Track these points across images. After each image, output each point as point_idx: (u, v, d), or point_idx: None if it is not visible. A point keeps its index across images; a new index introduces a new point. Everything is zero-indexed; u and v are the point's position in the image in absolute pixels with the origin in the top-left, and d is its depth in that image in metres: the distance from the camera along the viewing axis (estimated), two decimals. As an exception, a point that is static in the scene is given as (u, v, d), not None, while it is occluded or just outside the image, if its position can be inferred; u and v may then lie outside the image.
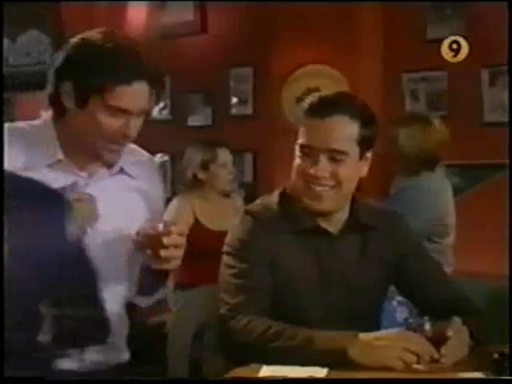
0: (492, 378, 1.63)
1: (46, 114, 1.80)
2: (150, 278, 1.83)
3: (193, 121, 4.97)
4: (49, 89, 1.76)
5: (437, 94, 4.26)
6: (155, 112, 5.00)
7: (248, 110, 4.87)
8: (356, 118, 1.88)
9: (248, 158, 4.81)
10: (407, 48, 4.28)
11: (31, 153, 1.73)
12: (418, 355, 1.68)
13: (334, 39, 4.27)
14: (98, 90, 1.70)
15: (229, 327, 1.84)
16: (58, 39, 5.57)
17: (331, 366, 1.68)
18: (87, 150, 1.77)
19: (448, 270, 2.93)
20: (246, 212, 2.00)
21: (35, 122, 1.81)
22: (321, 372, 1.67)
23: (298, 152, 1.93)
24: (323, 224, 1.96)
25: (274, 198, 2.01)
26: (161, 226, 1.72)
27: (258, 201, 2.04)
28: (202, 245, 3.25)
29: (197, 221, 3.58)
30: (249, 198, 3.35)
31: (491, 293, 2.62)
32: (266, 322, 1.82)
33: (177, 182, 3.85)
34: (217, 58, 4.85)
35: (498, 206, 3.71)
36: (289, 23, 4.36)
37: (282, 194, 2.01)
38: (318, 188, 1.90)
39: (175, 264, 1.75)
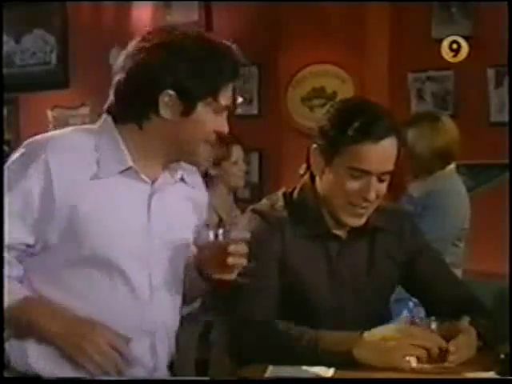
0: (494, 378, 1.62)
1: (104, 121, 1.68)
2: (195, 289, 1.78)
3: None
4: (130, 99, 1.65)
5: (443, 94, 4.25)
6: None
7: (253, 109, 4.86)
8: (399, 136, 1.89)
9: (254, 157, 4.80)
10: (413, 47, 4.28)
11: (101, 161, 1.63)
12: (426, 349, 1.69)
13: (339, 39, 4.26)
14: (210, 94, 1.63)
15: (235, 326, 1.84)
16: (64, 39, 5.58)
17: (337, 367, 1.68)
18: (169, 156, 1.69)
19: (459, 271, 2.92)
20: (254, 211, 1.98)
21: (94, 128, 1.70)
22: (327, 372, 1.66)
23: (343, 171, 1.86)
24: (335, 230, 1.96)
25: (279, 200, 1.99)
26: (221, 233, 1.65)
27: (264, 200, 2.03)
28: None
29: (220, 218, 3.56)
30: (255, 198, 3.35)
31: (501, 293, 2.61)
32: (273, 322, 1.82)
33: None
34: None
35: (506, 205, 3.70)
36: (294, 23, 4.36)
37: (288, 197, 1.98)
38: (363, 209, 1.89)
39: (236, 273, 1.67)
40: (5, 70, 5.59)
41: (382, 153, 1.84)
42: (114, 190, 1.64)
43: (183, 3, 4.96)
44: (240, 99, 4.89)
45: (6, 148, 5.69)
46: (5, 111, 5.77)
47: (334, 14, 4.25)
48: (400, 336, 1.72)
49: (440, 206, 3.02)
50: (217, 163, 3.60)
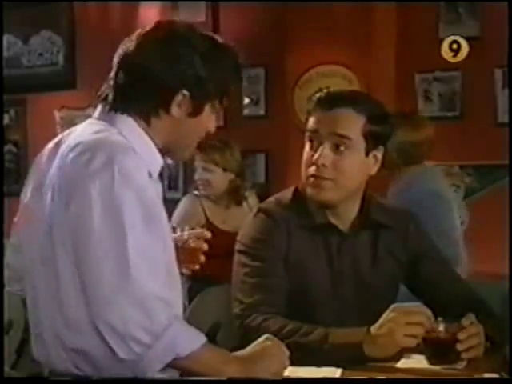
0: (492, 377, 1.62)
1: (123, 121, 1.59)
2: None
3: (205, 121, 4.97)
4: (145, 96, 1.58)
5: (450, 95, 4.24)
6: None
7: (260, 110, 4.87)
8: (362, 112, 1.93)
9: (260, 158, 4.81)
10: (420, 48, 4.27)
11: (148, 162, 1.57)
12: (421, 324, 1.71)
13: (346, 39, 4.26)
14: (220, 96, 1.63)
15: (244, 326, 1.85)
16: (71, 40, 5.59)
17: (346, 362, 1.70)
18: (162, 152, 1.65)
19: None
20: (259, 209, 2.02)
21: (113, 129, 1.57)
22: (335, 373, 1.67)
23: (306, 140, 1.98)
24: (333, 220, 1.97)
25: (287, 195, 2.03)
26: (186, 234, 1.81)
27: (271, 198, 2.06)
28: (216, 244, 3.24)
29: (208, 221, 3.56)
30: (261, 199, 3.35)
31: (507, 294, 2.60)
32: (282, 320, 1.83)
33: (190, 182, 3.84)
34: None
35: (512, 206, 3.69)
36: (301, 24, 4.35)
37: (296, 191, 2.02)
38: (319, 179, 1.92)
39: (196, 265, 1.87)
40: (12, 71, 5.61)
41: (331, 117, 1.93)
42: (155, 187, 1.61)
43: (190, 4, 4.97)
44: (247, 100, 4.90)
45: (13, 149, 5.72)
46: (12, 112, 5.79)
47: (341, 14, 4.25)
48: (394, 315, 1.73)
49: (430, 209, 2.94)
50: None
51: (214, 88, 1.61)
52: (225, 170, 3.60)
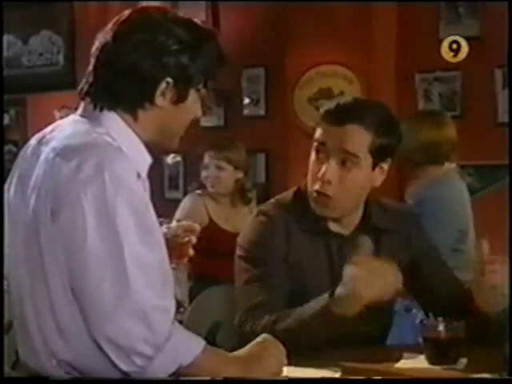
0: (492, 378, 1.62)
1: (108, 117, 1.55)
2: None
3: (205, 121, 4.96)
4: (128, 88, 1.53)
5: (450, 95, 4.24)
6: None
7: (260, 110, 4.87)
8: (370, 128, 1.90)
9: (260, 158, 4.81)
10: (420, 48, 4.28)
11: (137, 162, 1.53)
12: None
13: (346, 39, 4.26)
14: (203, 81, 1.59)
15: (246, 329, 1.84)
16: (71, 40, 5.60)
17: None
18: (150, 144, 1.60)
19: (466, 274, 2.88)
20: (259, 212, 2.01)
21: (99, 127, 1.54)
22: (335, 373, 1.67)
23: (312, 149, 1.95)
24: (334, 227, 1.97)
25: (288, 196, 2.02)
26: (175, 227, 1.76)
27: (272, 200, 2.05)
28: (218, 244, 3.26)
29: (211, 220, 3.58)
30: (261, 199, 3.35)
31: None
32: (283, 322, 1.82)
33: (191, 182, 3.85)
34: (229, 59, 4.84)
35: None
36: (301, 24, 4.36)
37: (297, 192, 2.01)
38: (323, 197, 1.91)
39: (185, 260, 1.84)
40: (12, 71, 5.62)
41: (340, 132, 1.89)
42: (144, 187, 1.56)
43: (190, 3, 4.96)
44: (247, 100, 4.90)
45: (13, 149, 5.72)
46: (12, 112, 5.79)
47: (341, 14, 4.25)
48: (359, 267, 1.72)
49: (429, 215, 2.90)
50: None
51: (196, 72, 1.57)
52: (236, 168, 3.63)
